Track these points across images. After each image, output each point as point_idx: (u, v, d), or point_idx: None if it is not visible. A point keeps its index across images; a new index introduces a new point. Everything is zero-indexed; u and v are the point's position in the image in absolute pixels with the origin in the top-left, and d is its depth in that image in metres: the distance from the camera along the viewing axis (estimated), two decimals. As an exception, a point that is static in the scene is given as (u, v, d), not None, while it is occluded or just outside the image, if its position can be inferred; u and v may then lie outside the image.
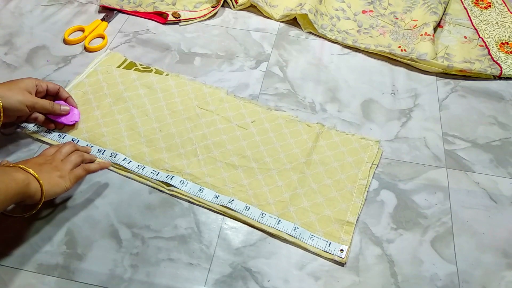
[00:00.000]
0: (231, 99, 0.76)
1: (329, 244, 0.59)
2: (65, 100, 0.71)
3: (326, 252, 0.58)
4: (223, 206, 0.62)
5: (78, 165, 0.61)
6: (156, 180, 0.64)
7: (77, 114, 0.71)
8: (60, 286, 0.54)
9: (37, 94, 0.67)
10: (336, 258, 0.57)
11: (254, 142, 0.70)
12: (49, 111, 0.67)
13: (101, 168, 0.63)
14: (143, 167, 0.65)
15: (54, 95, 0.70)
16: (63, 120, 0.69)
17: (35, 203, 0.55)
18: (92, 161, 0.64)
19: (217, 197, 0.63)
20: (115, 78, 0.78)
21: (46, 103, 0.66)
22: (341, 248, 0.58)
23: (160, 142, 0.69)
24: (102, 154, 0.67)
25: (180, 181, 0.64)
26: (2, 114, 0.62)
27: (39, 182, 0.54)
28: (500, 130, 0.75)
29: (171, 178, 0.64)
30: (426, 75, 0.85)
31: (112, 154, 0.66)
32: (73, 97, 0.71)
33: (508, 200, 0.66)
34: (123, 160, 0.66)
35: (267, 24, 0.94)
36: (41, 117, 0.68)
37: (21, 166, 0.54)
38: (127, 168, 0.65)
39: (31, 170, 0.54)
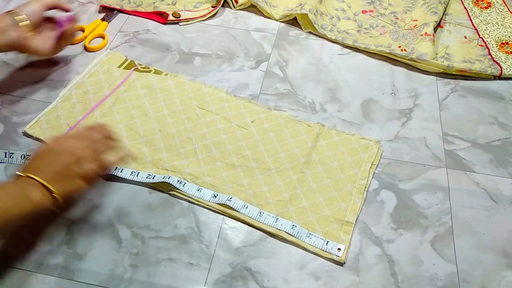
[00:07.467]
0: (231, 99, 0.76)
1: (327, 243, 0.59)
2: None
3: (323, 250, 0.58)
4: (221, 204, 0.62)
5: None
6: (153, 183, 0.64)
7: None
8: (60, 286, 0.54)
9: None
10: (335, 257, 0.57)
11: (254, 142, 0.70)
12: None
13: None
14: (137, 173, 0.64)
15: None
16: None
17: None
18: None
19: (215, 196, 0.63)
20: (115, 78, 0.78)
21: None
22: (338, 247, 0.58)
23: (160, 142, 0.69)
24: None
25: (178, 181, 0.63)
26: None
27: (55, 197, 0.50)
28: (500, 130, 0.75)
29: (168, 179, 0.63)
30: (426, 75, 0.85)
31: None
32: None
33: (508, 200, 0.66)
34: (115, 169, 0.64)
35: (267, 24, 0.94)
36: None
37: (37, 178, 0.49)
38: (121, 177, 0.64)
39: (50, 186, 0.50)
